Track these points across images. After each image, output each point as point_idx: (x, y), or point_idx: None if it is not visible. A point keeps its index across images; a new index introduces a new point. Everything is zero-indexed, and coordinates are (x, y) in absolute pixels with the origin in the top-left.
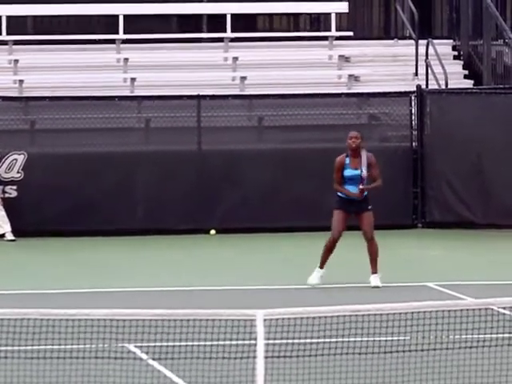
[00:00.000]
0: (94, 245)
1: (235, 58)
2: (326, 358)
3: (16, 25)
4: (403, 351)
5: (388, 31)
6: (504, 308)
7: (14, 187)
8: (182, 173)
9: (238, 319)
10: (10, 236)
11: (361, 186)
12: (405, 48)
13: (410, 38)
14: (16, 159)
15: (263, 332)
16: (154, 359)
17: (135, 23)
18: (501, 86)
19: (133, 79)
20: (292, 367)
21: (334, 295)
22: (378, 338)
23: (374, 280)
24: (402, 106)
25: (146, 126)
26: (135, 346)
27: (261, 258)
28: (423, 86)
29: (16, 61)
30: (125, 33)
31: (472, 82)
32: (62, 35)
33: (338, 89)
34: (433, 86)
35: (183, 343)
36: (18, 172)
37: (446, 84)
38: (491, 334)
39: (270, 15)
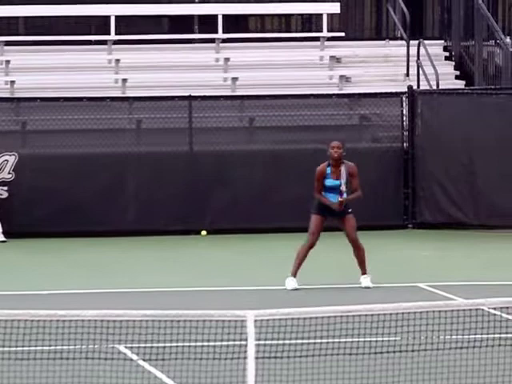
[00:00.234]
0: (84, 246)
1: (227, 59)
2: (317, 358)
3: (7, 25)
4: (394, 352)
5: (379, 32)
6: (494, 308)
7: (5, 188)
8: (174, 174)
9: (229, 320)
10: (0, 237)
11: (340, 199)
12: (396, 49)
13: (402, 38)
14: (7, 160)
15: (254, 333)
16: (144, 360)
17: (127, 24)
18: (492, 87)
19: (124, 80)
20: (283, 368)
21: (324, 296)
22: (368, 339)
23: (365, 281)
24: (394, 107)
25: (137, 127)
26: (126, 347)
27: (251, 258)
28: (414, 87)
29: (7, 61)
30: (116, 34)
31: (463, 82)
32: (54, 36)
33: (329, 89)
34: (424, 86)
35: (174, 344)
36: (9, 173)
37: (438, 85)
38: (482, 334)
39: (262, 16)
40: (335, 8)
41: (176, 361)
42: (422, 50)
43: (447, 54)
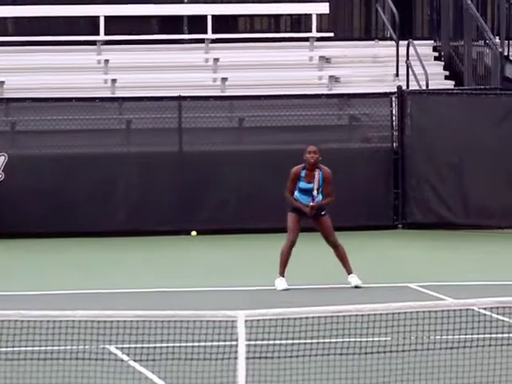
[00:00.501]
0: (75, 246)
1: (216, 59)
2: (307, 358)
3: None
4: (384, 352)
5: (369, 32)
6: (485, 309)
7: None
8: (163, 174)
9: (220, 320)
10: None
11: (311, 204)
12: (385, 49)
13: (391, 38)
14: None
15: (244, 333)
16: (135, 360)
17: (116, 24)
18: (481, 87)
19: (113, 80)
20: (273, 368)
21: (314, 296)
22: (359, 339)
23: (353, 280)
24: (383, 107)
25: (126, 128)
26: (116, 348)
27: (242, 259)
28: (404, 87)
29: None
30: (105, 34)
31: (453, 82)
32: (43, 36)
33: (318, 90)
34: (413, 86)
35: (164, 344)
36: None
37: (427, 85)
38: (472, 334)
39: (251, 16)
40: (324, 8)
41: (167, 361)
42: (411, 50)
43: (436, 54)
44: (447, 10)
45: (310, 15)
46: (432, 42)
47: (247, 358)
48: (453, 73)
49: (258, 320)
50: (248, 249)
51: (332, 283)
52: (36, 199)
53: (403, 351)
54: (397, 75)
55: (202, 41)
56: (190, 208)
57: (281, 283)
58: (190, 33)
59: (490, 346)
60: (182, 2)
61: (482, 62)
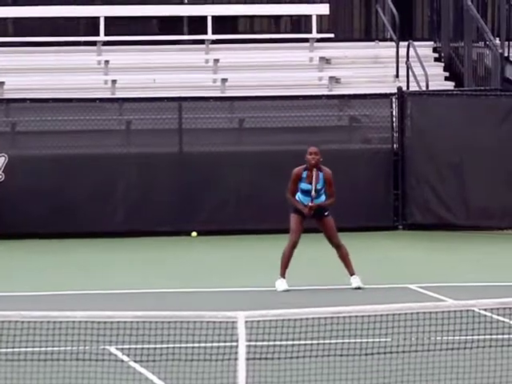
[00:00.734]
0: (75, 247)
1: (216, 60)
2: (308, 359)
3: None
4: (385, 353)
5: (369, 33)
6: (485, 310)
7: None
8: (163, 175)
9: (220, 321)
10: None
11: (310, 204)
12: (386, 50)
13: (391, 39)
14: None
15: (245, 334)
16: (135, 361)
17: (116, 25)
18: (482, 88)
19: (114, 81)
20: (273, 369)
21: (315, 297)
22: (359, 340)
23: (355, 281)
24: (383, 108)
25: (126, 128)
26: (116, 348)
27: (242, 260)
28: (404, 88)
29: None
30: (105, 35)
31: (453, 83)
32: (43, 37)
33: (318, 91)
34: (414, 87)
35: (164, 345)
36: None
37: (427, 86)
38: (472, 335)
39: (251, 17)
40: (324, 9)
41: (167, 362)
42: (411, 51)
43: (437, 55)
44: (447, 11)
45: (310, 16)
46: (432, 43)
47: (247, 359)
48: (453, 74)
49: (259, 321)
50: (248, 249)
51: (332, 284)
52: (36, 200)
53: (403, 352)
54: (397, 76)
55: (202, 42)
56: (190, 209)
57: (281, 284)
58: (190, 33)
59: (490, 347)
60: (182, 3)
61: (482, 63)
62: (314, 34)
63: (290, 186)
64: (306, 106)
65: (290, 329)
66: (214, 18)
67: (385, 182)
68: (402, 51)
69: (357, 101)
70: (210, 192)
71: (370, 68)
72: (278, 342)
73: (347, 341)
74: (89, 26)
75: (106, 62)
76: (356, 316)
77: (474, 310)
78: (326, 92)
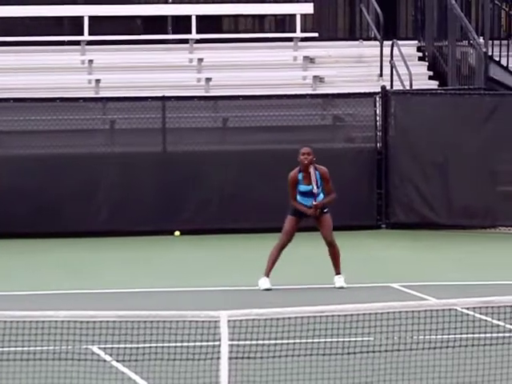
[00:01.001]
0: (58, 246)
1: (200, 60)
2: (290, 358)
3: None
4: (367, 352)
5: (353, 32)
6: (467, 308)
7: None
8: (147, 174)
9: (202, 320)
10: None
11: (314, 203)
12: (370, 49)
13: (375, 39)
14: None
15: (227, 333)
16: (117, 361)
17: (100, 25)
18: (465, 87)
19: (97, 81)
20: (256, 368)
21: (297, 296)
22: (341, 339)
23: (339, 281)
24: (367, 107)
25: (110, 128)
26: (99, 348)
27: (225, 259)
28: (388, 87)
29: None
30: (89, 34)
31: (437, 82)
32: (27, 37)
33: (302, 90)
34: (397, 86)
35: (147, 345)
36: None
37: (411, 85)
38: (455, 334)
39: (235, 16)
40: (309, 8)
41: (150, 361)
42: (395, 50)
43: (420, 54)
44: (431, 10)
45: (295, 15)
46: (416, 42)
47: (230, 358)
48: (437, 73)
49: (241, 320)
50: (231, 249)
51: (315, 283)
52: (19, 199)
53: (386, 351)
54: (381, 75)
55: (186, 41)
56: (174, 208)
57: (264, 283)
58: (174, 33)
59: (472, 345)
60: (167, 2)
61: (466, 62)
62: (298, 34)
63: (289, 191)
64: (289, 106)
65: (273, 328)
66: (198, 17)
67: (368, 181)
68: (386, 50)
69: (341, 100)
70: (193, 191)
71: (354, 67)
72: (260, 341)
73: (330, 340)
74: (73, 25)
75: (90, 61)
76: (338, 315)
77: (456, 309)
78: (309, 91)
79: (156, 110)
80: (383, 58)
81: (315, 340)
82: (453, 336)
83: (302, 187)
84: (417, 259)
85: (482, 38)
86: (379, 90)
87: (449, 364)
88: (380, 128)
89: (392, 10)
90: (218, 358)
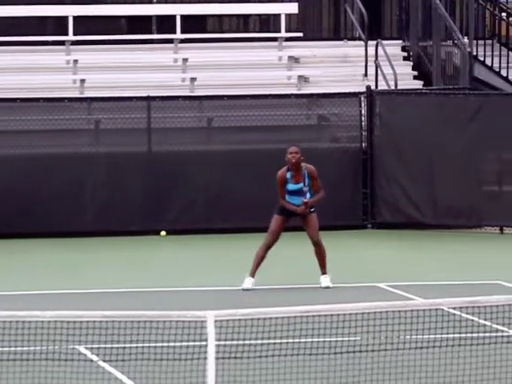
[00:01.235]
0: (43, 246)
1: (185, 60)
2: (277, 358)
3: None
4: (354, 352)
5: (337, 32)
6: (453, 308)
7: None
8: (132, 174)
9: (189, 320)
10: None
11: (305, 200)
12: (354, 49)
13: (360, 38)
14: None
15: (214, 333)
16: (104, 361)
17: (85, 25)
18: (450, 87)
19: (82, 81)
20: (243, 368)
21: (284, 296)
22: (328, 339)
23: (325, 281)
24: (352, 107)
25: (95, 128)
26: (86, 348)
27: (211, 259)
28: (373, 87)
29: None
30: (74, 34)
31: (421, 82)
32: (11, 36)
33: (287, 90)
34: (382, 86)
35: (134, 345)
36: None
37: (396, 85)
38: (441, 334)
39: (220, 16)
40: (293, 8)
41: (136, 361)
42: (380, 50)
43: (405, 54)
44: (416, 9)
45: (279, 15)
46: (401, 42)
47: (217, 358)
48: (421, 73)
49: (228, 320)
50: (217, 249)
51: (301, 283)
52: (3, 200)
53: (373, 351)
54: (366, 75)
55: (170, 41)
56: (159, 208)
57: (246, 282)
58: (158, 33)
59: (459, 345)
60: (151, 2)
61: (450, 61)
62: (283, 33)
63: (278, 190)
64: (274, 105)
65: (260, 328)
66: (183, 17)
67: (354, 181)
68: (371, 50)
69: (325, 100)
70: (178, 191)
71: (339, 67)
72: (247, 341)
73: (316, 340)
74: (57, 25)
75: (75, 61)
76: (325, 315)
77: (442, 309)
78: (294, 91)
79: (141, 110)
80: (368, 58)
81: (302, 340)
82: (439, 336)
83: (291, 186)
84: (403, 259)
85: (466, 37)
86: (364, 89)
87: (435, 364)
88: (365, 128)
89: (376, 10)
90: (205, 358)
